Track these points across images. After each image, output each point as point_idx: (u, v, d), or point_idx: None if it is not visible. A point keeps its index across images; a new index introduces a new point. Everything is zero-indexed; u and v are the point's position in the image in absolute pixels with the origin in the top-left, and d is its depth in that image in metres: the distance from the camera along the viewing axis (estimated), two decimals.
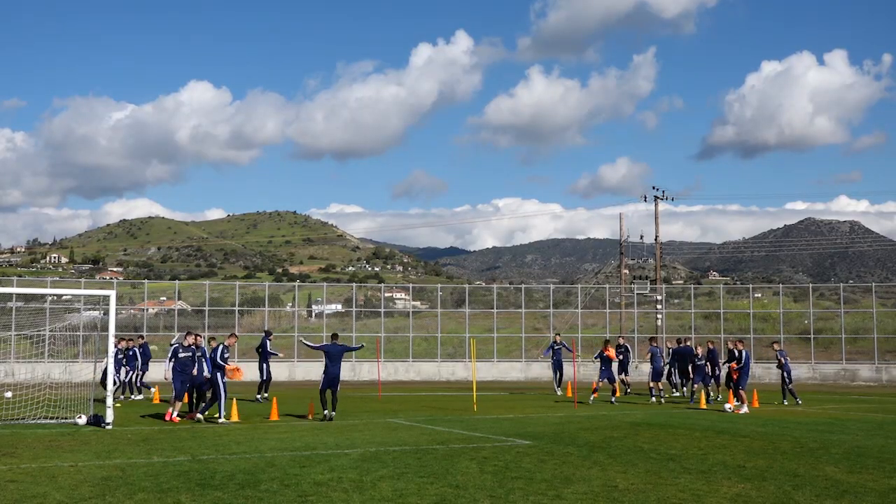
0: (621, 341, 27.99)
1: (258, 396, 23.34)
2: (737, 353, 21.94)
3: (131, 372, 24.74)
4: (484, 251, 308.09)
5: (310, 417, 18.48)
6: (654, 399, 24.66)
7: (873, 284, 41.93)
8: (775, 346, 25.35)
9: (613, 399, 23.63)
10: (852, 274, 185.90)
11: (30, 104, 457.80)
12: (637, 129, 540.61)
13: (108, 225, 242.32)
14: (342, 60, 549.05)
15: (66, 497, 9.00)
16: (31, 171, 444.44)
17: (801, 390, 33.15)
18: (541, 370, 38.00)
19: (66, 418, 17.33)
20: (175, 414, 17.83)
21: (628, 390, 27.14)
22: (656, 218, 49.03)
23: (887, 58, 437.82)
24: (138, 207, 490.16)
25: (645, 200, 49.89)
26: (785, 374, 24.45)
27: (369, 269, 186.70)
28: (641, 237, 50.56)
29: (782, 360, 24.52)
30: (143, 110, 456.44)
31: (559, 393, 27.25)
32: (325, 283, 50.92)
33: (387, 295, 48.84)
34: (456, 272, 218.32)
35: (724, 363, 23.30)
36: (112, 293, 17.31)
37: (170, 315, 43.58)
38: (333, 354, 18.38)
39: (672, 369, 26.32)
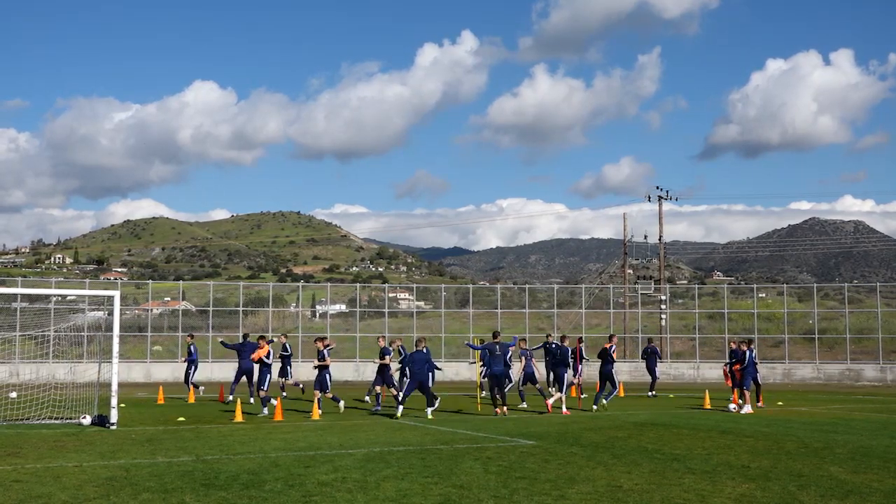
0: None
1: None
2: (740, 353, 21.92)
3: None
4: (488, 251, 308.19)
5: (313, 418, 18.53)
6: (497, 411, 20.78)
7: (878, 284, 41.80)
8: (742, 346, 22.13)
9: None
10: (857, 274, 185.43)
11: (33, 104, 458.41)
12: (641, 128, 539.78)
13: (112, 225, 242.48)
14: (346, 61, 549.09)
15: (70, 497, 9.02)
16: (34, 171, 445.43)
17: (806, 390, 33.18)
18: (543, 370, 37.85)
19: (70, 419, 17.36)
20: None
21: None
22: (660, 218, 49.03)
23: (893, 58, 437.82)
24: (142, 208, 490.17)
25: (649, 200, 49.91)
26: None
27: (373, 269, 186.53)
28: (645, 237, 50.59)
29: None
30: (146, 110, 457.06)
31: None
32: (328, 284, 50.98)
33: (391, 295, 48.88)
34: (460, 272, 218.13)
35: (726, 364, 23.06)
36: (116, 293, 17.32)
37: (174, 315, 43.57)
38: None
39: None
